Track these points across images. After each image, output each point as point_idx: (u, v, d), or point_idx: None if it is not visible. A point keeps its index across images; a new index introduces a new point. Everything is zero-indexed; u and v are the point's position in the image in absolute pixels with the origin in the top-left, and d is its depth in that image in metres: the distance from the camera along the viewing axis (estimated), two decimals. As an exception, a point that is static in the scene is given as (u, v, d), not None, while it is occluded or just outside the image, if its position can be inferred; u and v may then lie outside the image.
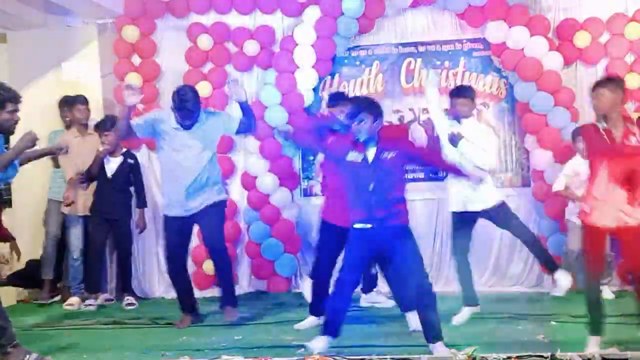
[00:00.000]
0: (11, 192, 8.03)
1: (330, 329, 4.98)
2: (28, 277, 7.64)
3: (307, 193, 7.81)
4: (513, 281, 7.48)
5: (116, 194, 7.24)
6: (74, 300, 7.23)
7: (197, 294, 7.11)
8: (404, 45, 7.74)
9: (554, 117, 7.18)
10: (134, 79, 7.63)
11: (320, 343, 4.92)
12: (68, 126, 7.58)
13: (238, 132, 6.32)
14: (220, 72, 7.76)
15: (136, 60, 7.90)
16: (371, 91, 7.74)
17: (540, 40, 7.26)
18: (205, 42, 7.74)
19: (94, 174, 7.17)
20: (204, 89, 7.56)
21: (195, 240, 7.06)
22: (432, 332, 4.84)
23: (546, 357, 4.49)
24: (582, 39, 7.35)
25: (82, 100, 7.46)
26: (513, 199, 7.19)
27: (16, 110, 4.89)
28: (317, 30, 7.51)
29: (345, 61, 7.80)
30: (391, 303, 6.42)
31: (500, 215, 5.88)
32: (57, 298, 7.60)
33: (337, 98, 6.03)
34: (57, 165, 7.52)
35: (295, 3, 7.65)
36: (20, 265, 7.70)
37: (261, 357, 4.76)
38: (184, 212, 6.02)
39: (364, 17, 7.56)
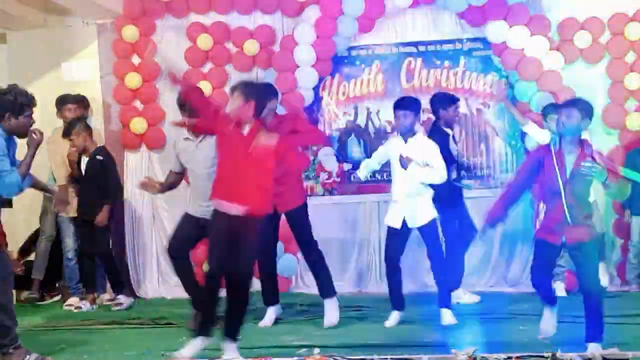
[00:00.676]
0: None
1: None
2: (27, 278, 7.63)
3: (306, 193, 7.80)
4: (513, 281, 7.47)
5: (87, 194, 7.13)
6: (73, 300, 7.23)
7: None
8: (404, 45, 7.74)
9: (554, 117, 7.18)
10: (133, 78, 7.66)
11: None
12: None
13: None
14: (220, 72, 7.76)
15: (136, 60, 7.90)
16: (371, 91, 7.74)
17: (541, 40, 7.26)
18: (205, 42, 7.73)
19: (75, 175, 7.15)
20: (204, 88, 7.56)
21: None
22: None
23: (546, 357, 4.49)
24: (582, 39, 7.35)
25: (72, 99, 7.43)
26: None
27: (32, 114, 4.99)
28: (317, 29, 7.51)
29: (345, 61, 7.80)
30: (476, 299, 6.60)
31: (429, 231, 5.92)
32: (57, 298, 7.60)
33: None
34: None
35: (295, 3, 7.64)
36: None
37: (261, 357, 4.76)
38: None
39: (364, 16, 7.55)
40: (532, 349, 4.77)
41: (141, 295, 7.81)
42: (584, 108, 4.85)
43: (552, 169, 4.80)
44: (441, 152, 5.97)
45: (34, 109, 4.98)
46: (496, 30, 7.35)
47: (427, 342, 5.27)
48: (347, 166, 7.82)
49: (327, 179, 7.82)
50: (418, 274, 7.27)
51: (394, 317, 5.98)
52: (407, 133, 5.87)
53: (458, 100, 6.89)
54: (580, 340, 4.84)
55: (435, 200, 5.93)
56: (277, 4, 7.73)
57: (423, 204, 5.86)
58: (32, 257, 7.74)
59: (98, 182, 7.09)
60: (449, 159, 6.31)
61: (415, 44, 7.73)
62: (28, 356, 4.87)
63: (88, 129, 7.14)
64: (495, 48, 7.45)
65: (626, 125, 7.33)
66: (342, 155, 7.81)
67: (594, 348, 4.70)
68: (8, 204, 7.89)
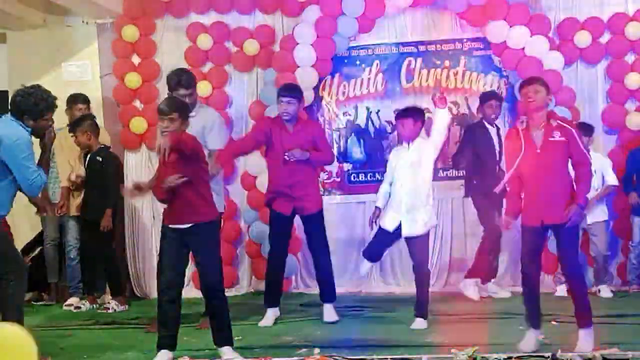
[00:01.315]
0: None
1: None
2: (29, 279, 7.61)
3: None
4: (513, 281, 7.46)
5: (89, 194, 7.10)
6: (73, 300, 7.22)
7: (197, 293, 7.13)
8: (404, 44, 7.74)
9: (554, 117, 7.17)
10: (133, 78, 7.67)
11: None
12: None
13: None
14: (220, 72, 7.76)
15: (136, 59, 7.90)
16: (371, 91, 7.74)
17: (541, 40, 7.26)
18: (205, 41, 7.73)
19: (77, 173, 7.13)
20: (204, 88, 7.58)
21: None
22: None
23: (547, 357, 4.49)
24: (582, 39, 7.34)
25: (83, 100, 7.42)
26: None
27: (51, 117, 5.11)
28: (317, 29, 7.51)
29: (345, 61, 7.80)
30: (507, 293, 6.67)
31: (421, 242, 5.87)
32: (51, 302, 7.58)
33: None
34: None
35: (295, 3, 7.64)
36: None
37: (261, 357, 4.76)
38: None
39: (364, 16, 7.55)
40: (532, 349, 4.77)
41: (141, 295, 7.81)
42: (542, 82, 4.91)
43: (520, 147, 4.84)
44: (481, 146, 6.68)
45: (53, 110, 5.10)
46: (496, 30, 7.35)
47: (428, 342, 5.27)
48: (347, 166, 7.82)
49: (327, 179, 7.81)
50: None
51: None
52: (410, 140, 5.83)
53: (496, 95, 7.16)
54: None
55: None
56: (277, 4, 7.73)
57: (424, 214, 5.78)
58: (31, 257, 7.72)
59: (95, 182, 7.05)
60: (489, 152, 6.79)
61: (415, 44, 7.73)
62: (28, 356, 4.86)
63: (95, 128, 7.11)
64: (495, 48, 7.45)
65: (626, 125, 7.33)
66: (342, 155, 7.81)
67: (586, 335, 4.73)
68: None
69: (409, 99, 7.68)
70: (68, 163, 7.28)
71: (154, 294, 7.75)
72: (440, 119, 5.77)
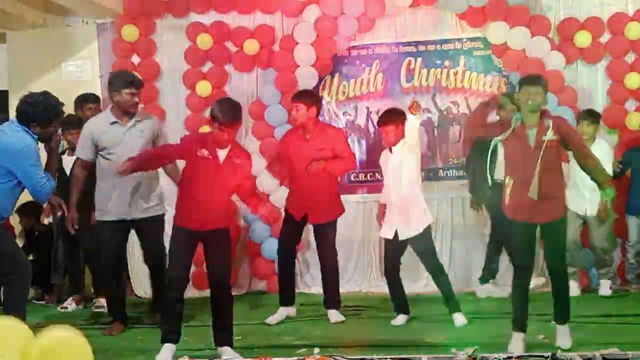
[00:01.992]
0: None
1: None
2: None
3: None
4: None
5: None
6: (67, 301, 7.23)
7: (197, 293, 7.14)
8: (404, 44, 7.74)
9: (556, 117, 7.17)
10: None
11: None
12: None
13: None
14: (220, 72, 7.76)
15: (136, 59, 7.89)
16: (371, 91, 7.74)
17: (542, 40, 7.26)
18: (205, 41, 7.73)
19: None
20: (204, 88, 7.57)
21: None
22: None
23: (547, 357, 4.49)
24: (582, 39, 7.34)
25: (94, 99, 7.31)
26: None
27: (58, 124, 5.25)
28: (317, 29, 7.50)
29: (345, 61, 7.80)
30: (507, 293, 6.51)
31: (421, 242, 5.90)
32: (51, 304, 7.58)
33: None
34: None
35: (295, 3, 7.64)
36: None
37: (261, 357, 4.76)
38: None
39: (364, 16, 7.55)
40: (533, 349, 4.77)
41: (141, 295, 7.80)
42: (543, 83, 4.93)
43: (514, 145, 4.89)
44: None
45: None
46: (497, 31, 7.34)
47: (428, 342, 5.27)
48: (347, 166, 7.81)
49: (327, 179, 7.79)
50: (419, 275, 7.26)
51: (400, 319, 6.01)
52: (394, 145, 5.88)
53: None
54: (588, 340, 4.85)
55: None
56: (277, 3, 7.73)
57: (415, 215, 5.83)
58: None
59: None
60: None
61: (415, 44, 7.73)
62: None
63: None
64: (495, 49, 7.45)
65: (626, 125, 7.33)
66: (342, 155, 7.79)
67: (563, 330, 4.88)
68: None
69: (409, 98, 7.65)
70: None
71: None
72: (410, 125, 5.72)
